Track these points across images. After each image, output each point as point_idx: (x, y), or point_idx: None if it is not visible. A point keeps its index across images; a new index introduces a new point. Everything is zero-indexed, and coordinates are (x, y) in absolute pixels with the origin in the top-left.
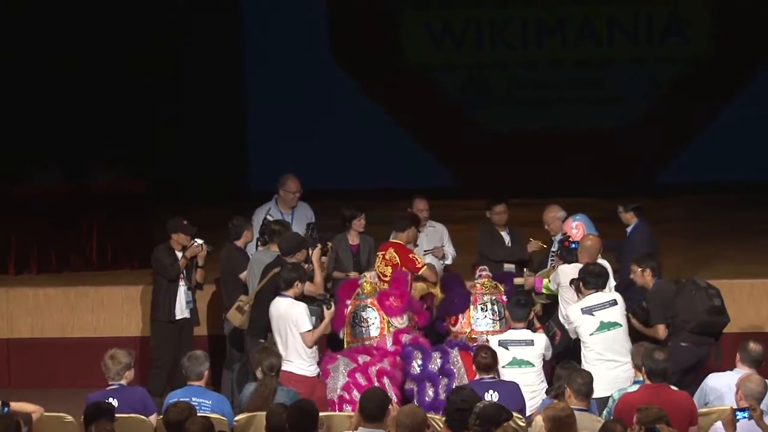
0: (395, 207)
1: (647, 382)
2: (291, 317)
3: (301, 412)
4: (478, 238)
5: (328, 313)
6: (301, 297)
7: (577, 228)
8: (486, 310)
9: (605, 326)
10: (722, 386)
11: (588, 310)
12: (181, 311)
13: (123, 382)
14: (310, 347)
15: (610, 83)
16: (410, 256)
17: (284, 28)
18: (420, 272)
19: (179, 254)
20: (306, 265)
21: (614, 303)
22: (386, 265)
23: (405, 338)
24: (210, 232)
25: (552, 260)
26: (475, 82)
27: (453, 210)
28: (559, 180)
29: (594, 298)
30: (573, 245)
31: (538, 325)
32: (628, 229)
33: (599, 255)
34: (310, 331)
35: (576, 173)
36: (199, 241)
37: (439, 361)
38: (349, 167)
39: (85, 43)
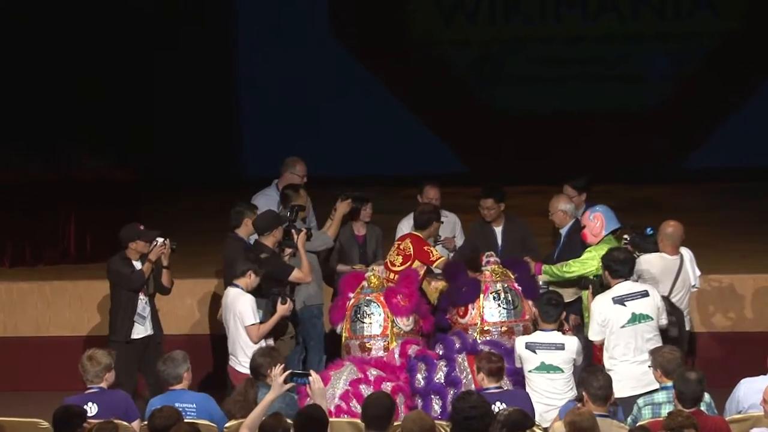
0: (400, 195)
1: (678, 405)
2: (236, 309)
3: (309, 420)
4: None
5: (281, 308)
6: (257, 290)
7: (595, 219)
8: (499, 299)
9: (637, 318)
10: (756, 392)
11: (620, 300)
12: (144, 329)
13: (103, 384)
14: (255, 343)
15: (634, 61)
16: (425, 248)
17: (281, 4)
18: (434, 265)
19: (137, 264)
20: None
21: (646, 294)
22: (398, 255)
23: (412, 350)
24: (203, 221)
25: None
26: (487, 60)
27: (462, 197)
28: (577, 165)
29: (624, 287)
30: (648, 231)
31: (566, 327)
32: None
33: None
34: (255, 324)
35: (595, 158)
36: (161, 240)
37: (444, 369)
38: (351, 153)
39: (74, 30)
